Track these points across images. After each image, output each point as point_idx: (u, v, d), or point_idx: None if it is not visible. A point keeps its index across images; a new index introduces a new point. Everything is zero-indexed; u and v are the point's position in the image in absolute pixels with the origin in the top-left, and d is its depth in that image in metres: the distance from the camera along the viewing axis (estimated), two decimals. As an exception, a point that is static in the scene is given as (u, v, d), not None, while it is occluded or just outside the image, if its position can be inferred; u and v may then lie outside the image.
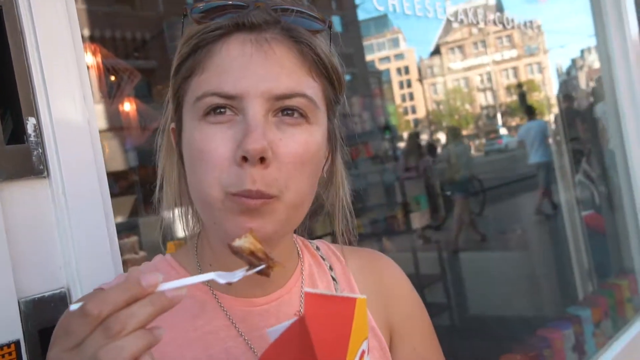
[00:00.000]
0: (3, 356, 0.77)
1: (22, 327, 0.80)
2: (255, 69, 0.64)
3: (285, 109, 0.66)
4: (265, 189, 0.63)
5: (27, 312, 0.80)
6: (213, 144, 0.64)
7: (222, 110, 0.65)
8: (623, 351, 2.13)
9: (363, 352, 0.62)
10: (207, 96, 0.65)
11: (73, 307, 0.50)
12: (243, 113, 0.64)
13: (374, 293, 0.84)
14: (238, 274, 0.56)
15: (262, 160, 0.62)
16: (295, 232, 0.83)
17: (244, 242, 0.57)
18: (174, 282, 0.51)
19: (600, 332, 2.20)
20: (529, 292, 4.13)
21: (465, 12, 2.29)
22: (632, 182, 2.49)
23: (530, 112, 7.08)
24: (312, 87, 0.68)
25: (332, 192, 0.80)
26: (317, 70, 0.69)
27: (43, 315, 0.82)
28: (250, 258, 0.57)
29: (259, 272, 0.58)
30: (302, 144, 0.66)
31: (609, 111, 2.61)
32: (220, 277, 0.55)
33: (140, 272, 0.50)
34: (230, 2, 0.68)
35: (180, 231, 0.86)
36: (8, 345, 0.77)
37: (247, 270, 0.57)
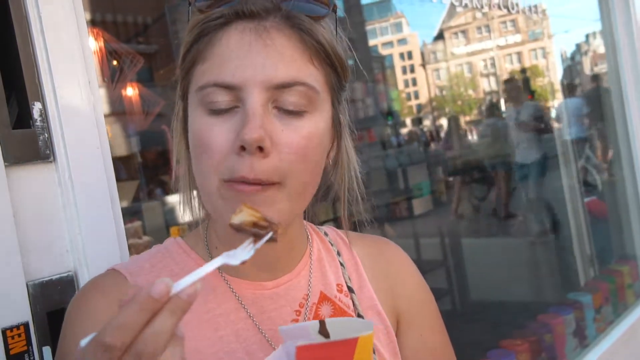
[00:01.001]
0: (12, 337, 0.78)
1: (31, 310, 0.81)
2: (254, 58, 0.64)
3: (285, 99, 0.65)
4: (264, 177, 0.63)
5: (35, 295, 0.82)
6: (212, 134, 0.65)
7: (223, 101, 0.65)
8: (623, 336, 2.15)
9: None
10: (208, 87, 0.65)
11: (84, 342, 0.46)
12: (243, 103, 0.65)
13: (382, 278, 0.85)
14: (248, 251, 0.55)
15: (261, 149, 0.62)
16: (305, 217, 0.85)
17: (243, 215, 0.56)
18: (185, 278, 0.48)
19: (601, 317, 2.22)
20: (531, 278, 4.15)
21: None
22: (635, 169, 2.49)
23: (532, 97, 7.02)
24: (312, 75, 0.67)
25: (338, 177, 0.80)
26: (318, 57, 0.68)
27: (51, 298, 0.83)
28: (255, 230, 0.56)
29: (268, 241, 0.57)
30: (304, 135, 0.66)
31: (614, 96, 2.59)
32: (231, 259, 0.53)
33: (140, 287, 0.47)
34: None
35: (184, 217, 0.86)
36: (17, 327, 0.79)
37: (255, 243, 0.56)
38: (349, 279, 0.82)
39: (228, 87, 0.65)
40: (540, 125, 4.93)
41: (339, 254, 0.85)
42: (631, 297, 2.41)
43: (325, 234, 0.88)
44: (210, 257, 0.76)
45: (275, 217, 0.64)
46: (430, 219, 4.73)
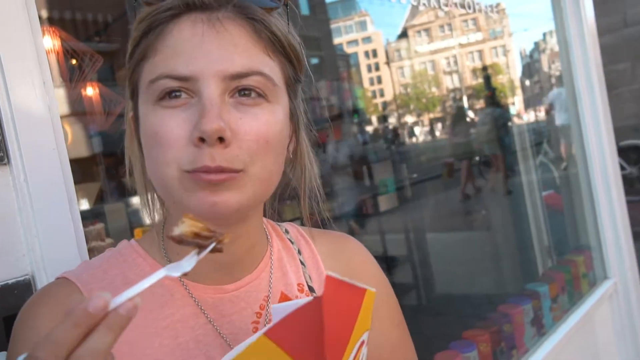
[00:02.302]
0: (-33, 343, 0.77)
1: (-14, 315, 0.80)
2: (208, 48, 0.63)
3: (242, 89, 0.64)
4: (227, 164, 0.62)
5: (-10, 300, 0.80)
6: (168, 126, 0.63)
7: (177, 93, 0.63)
8: (578, 323, 2.24)
9: (362, 342, 0.62)
10: (161, 79, 0.63)
11: (20, 358, 0.45)
12: (198, 95, 0.63)
13: (342, 275, 0.84)
14: (191, 262, 0.54)
15: (221, 140, 0.61)
16: (264, 215, 0.84)
17: (183, 227, 0.54)
18: (125, 292, 0.47)
19: (557, 306, 2.30)
20: (493, 270, 4.27)
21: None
22: (588, 163, 2.59)
23: (493, 94, 7.26)
24: (268, 65, 0.66)
25: (297, 172, 0.79)
26: (273, 48, 0.67)
27: (7, 302, 0.82)
28: (196, 241, 0.54)
29: (212, 250, 0.55)
30: (263, 123, 0.65)
31: (567, 93, 2.69)
32: (172, 271, 0.52)
33: (83, 300, 0.45)
34: None
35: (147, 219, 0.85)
36: (-28, 332, 0.77)
37: (199, 253, 0.54)
38: (310, 278, 0.82)
39: (182, 79, 0.63)
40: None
41: (299, 252, 0.85)
42: (585, 286, 2.51)
43: (286, 231, 0.87)
44: (169, 260, 0.74)
45: (240, 199, 0.63)
46: (395, 216, 4.79)
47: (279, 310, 0.60)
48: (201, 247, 0.55)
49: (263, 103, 0.66)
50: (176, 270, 0.52)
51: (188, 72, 0.62)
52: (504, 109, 6.46)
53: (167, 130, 0.63)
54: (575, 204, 2.82)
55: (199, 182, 0.62)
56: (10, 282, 0.83)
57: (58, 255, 0.87)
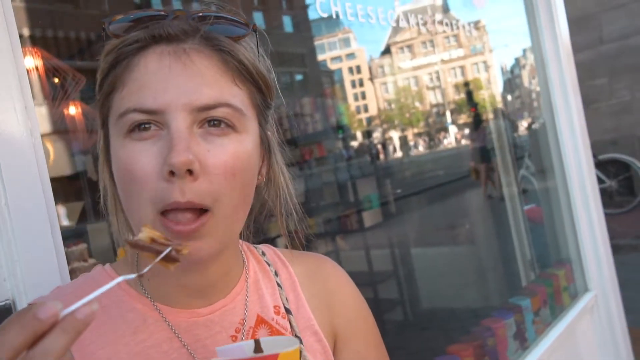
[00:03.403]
0: (-54, 370, 0.76)
1: (-34, 341, 0.79)
2: (175, 81, 0.63)
3: (210, 119, 0.64)
4: (197, 200, 0.62)
5: (-30, 325, 0.80)
6: (139, 162, 0.63)
7: (146, 126, 0.63)
8: (560, 336, 2.27)
9: None
10: (129, 113, 0.63)
11: None
12: (167, 127, 0.63)
13: (319, 297, 0.85)
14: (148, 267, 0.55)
15: (190, 172, 0.61)
16: (241, 236, 0.84)
17: (141, 234, 0.57)
18: (83, 300, 0.47)
19: (540, 319, 2.33)
20: (477, 284, 4.30)
21: (407, 15, 2.37)
22: (567, 178, 2.64)
23: (476, 110, 7.43)
24: (236, 95, 0.66)
25: (272, 194, 0.80)
26: (241, 77, 0.67)
27: (-13, 328, 0.81)
28: (153, 246, 0.56)
29: (170, 260, 0.57)
30: (231, 154, 0.65)
31: (544, 109, 2.75)
32: (130, 275, 0.54)
33: (41, 304, 0.45)
34: (148, 14, 0.66)
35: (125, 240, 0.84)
36: (-49, 359, 0.77)
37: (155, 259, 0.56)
38: (287, 300, 0.82)
39: (150, 112, 0.63)
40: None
41: (276, 274, 0.84)
42: (567, 299, 2.54)
43: (263, 253, 0.87)
44: (142, 287, 0.74)
45: (207, 252, 0.65)
46: (380, 231, 4.81)
47: (222, 352, 0.62)
48: (157, 253, 0.56)
49: (231, 133, 0.66)
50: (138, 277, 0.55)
51: (156, 106, 0.63)
52: (512, 120, 6.67)
53: (139, 168, 0.63)
54: (555, 218, 2.87)
55: (170, 232, 0.62)
56: (-10, 307, 0.83)
57: (39, 279, 0.87)
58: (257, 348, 0.63)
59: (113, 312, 0.71)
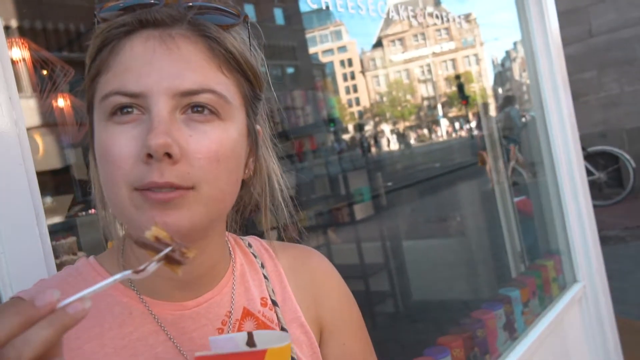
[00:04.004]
0: None
1: (-49, 334, 0.78)
2: (159, 65, 0.62)
3: (194, 105, 0.64)
4: (176, 181, 0.61)
5: (-45, 318, 0.79)
6: (117, 144, 0.62)
7: (128, 109, 0.63)
8: (549, 327, 2.29)
9: None
10: (111, 95, 0.63)
11: None
12: (148, 111, 0.62)
13: (305, 289, 0.85)
14: (151, 266, 0.53)
15: (169, 156, 0.60)
16: (228, 229, 0.84)
17: (148, 232, 0.56)
18: (79, 293, 0.46)
19: (529, 310, 2.35)
20: (468, 276, 4.33)
21: (397, 7, 2.37)
22: (556, 170, 2.65)
23: (467, 102, 7.48)
24: (222, 83, 0.65)
25: (257, 188, 0.79)
26: (228, 65, 0.67)
27: (-27, 321, 0.80)
28: (157, 245, 0.55)
29: (174, 262, 0.55)
30: (214, 141, 0.64)
31: (534, 102, 2.76)
32: (132, 275, 0.52)
33: (40, 291, 0.45)
34: (139, 2, 0.66)
35: (117, 232, 0.84)
36: (-64, 352, 0.76)
37: (158, 261, 0.54)
38: (273, 291, 0.82)
39: (132, 95, 0.62)
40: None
41: (262, 266, 0.84)
42: (556, 290, 2.56)
43: (249, 245, 0.87)
44: (128, 279, 0.71)
45: (191, 218, 0.63)
46: (371, 224, 4.83)
47: (215, 343, 0.62)
48: (159, 251, 0.55)
49: (215, 120, 0.65)
50: (135, 275, 0.52)
51: (138, 89, 0.62)
52: (518, 109, 6.72)
53: (117, 149, 0.62)
54: (545, 210, 2.89)
55: (148, 200, 0.61)
56: (-25, 299, 0.82)
57: (25, 272, 0.86)
58: (250, 340, 0.63)
59: (99, 305, 0.70)
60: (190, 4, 0.67)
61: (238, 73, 0.68)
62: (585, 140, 2.82)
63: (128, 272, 0.52)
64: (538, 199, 3.00)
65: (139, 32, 0.65)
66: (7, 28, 0.92)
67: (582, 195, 2.64)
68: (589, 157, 7.13)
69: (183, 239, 0.61)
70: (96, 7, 0.67)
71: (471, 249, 4.80)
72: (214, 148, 0.64)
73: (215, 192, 0.65)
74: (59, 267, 0.94)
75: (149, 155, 0.60)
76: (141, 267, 0.53)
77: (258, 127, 0.76)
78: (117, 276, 0.51)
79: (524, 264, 3.39)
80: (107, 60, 0.65)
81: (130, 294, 0.72)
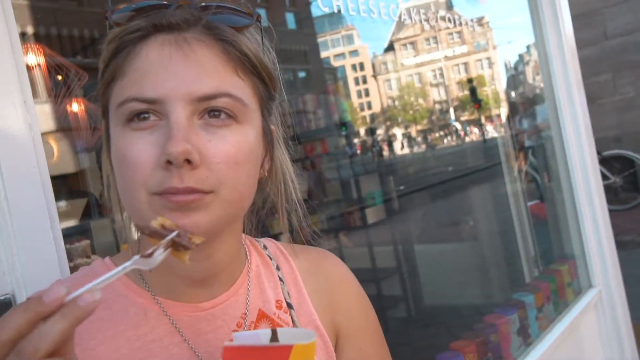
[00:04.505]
0: (-54, 364, 0.76)
1: (-34, 335, 0.79)
2: (175, 70, 0.62)
3: (211, 110, 0.63)
4: (196, 185, 0.61)
5: (-30, 320, 0.80)
6: (136, 150, 0.62)
7: (145, 115, 0.63)
8: (564, 332, 2.26)
9: None
10: (128, 102, 0.63)
11: None
12: (166, 117, 0.62)
13: (321, 293, 0.84)
14: (158, 256, 0.54)
15: (189, 162, 0.60)
16: (243, 231, 0.83)
17: (153, 222, 0.57)
18: (88, 285, 0.48)
19: (543, 315, 2.32)
20: (481, 281, 4.29)
21: (409, 11, 2.36)
22: (570, 173, 2.62)
23: (480, 106, 7.39)
24: (238, 86, 0.65)
25: (273, 189, 0.79)
26: (243, 68, 0.66)
27: (-13, 322, 0.81)
28: (163, 232, 0.56)
29: (182, 248, 0.56)
30: (233, 145, 0.64)
31: (548, 105, 2.73)
32: (140, 265, 0.53)
33: (47, 289, 0.47)
34: (151, 3, 0.65)
35: (132, 236, 0.84)
36: (-49, 353, 0.77)
37: (165, 248, 0.55)
38: (288, 294, 0.81)
39: (149, 102, 0.62)
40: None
41: (278, 268, 0.83)
42: (570, 295, 2.53)
43: (265, 247, 0.86)
44: (142, 280, 0.73)
45: (209, 220, 0.63)
46: (383, 228, 4.81)
47: (238, 338, 0.62)
48: (165, 238, 0.56)
49: (233, 124, 0.65)
50: (144, 264, 0.53)
51: (155, 95, 0.62)
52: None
53: (135, 154, 0.62)
54: (559, 214, 2.85)
55: (168, 204, 0.61)
56: (-10, 301, 0.83)
57: (39, 273, 0.86)
58: (274, 336, 0.63)
59: (114, 307, 0.71)
60: (203, 3, 0.66)
61: (253, 75, 0.68)
62: (600, 144, 2.79)
63: (136, 257, 0.53)
64: (552, 203, 2.96)
65: (153, 36, 0.64)
66: (23, 34, 0.92)
67: (597, 199, 2.61)
68: (604, 161, 7.04)
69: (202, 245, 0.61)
70: (107, 10, 0.67)
71: (484, 254, 4.76)
72: (233, 152, 0.64)
73: (234, 194, 0.65)
74: (73, 270, 0.95)
75: (169, 162, 0.60)
76: (148, 252, 0.53)
77: (272, 127, 0.76)
78: (127, 264, 0.52)
79: (537, 269, 3.35)
80: (122, 65, 0.65)
81: (145, 295, 0.72)
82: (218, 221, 0.64)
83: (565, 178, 2.69)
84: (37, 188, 0.89)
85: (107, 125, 0.70)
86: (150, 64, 0.63)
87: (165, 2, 0.66)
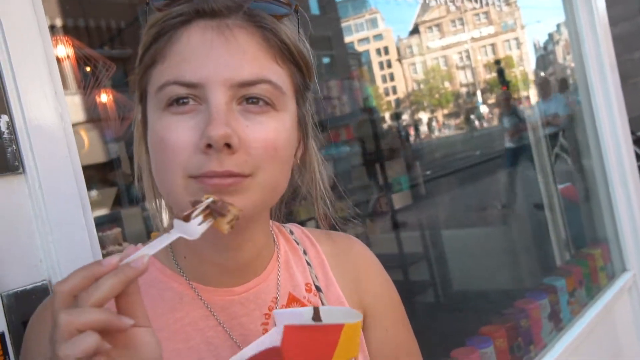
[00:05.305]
0: (-11, 348, 0.79)
1: (6, 320, 0.82)
2: (217, 56, 0.63)
3: (250, 97, 0.64)
4: (235, 169, 0.62)
5: (10, 305, 0.83)
6: (175, 133, 0.63)
7: (184, 100, 0.63)
8: (596, 317, 2.22)
9: None
10: (168, 85, 0.63)
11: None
12: (206, 102, 0.63)
13: (347, 275, 0.86)
14: (199, 226, 0.58)
15: (229, 146, 0.61)
16: (271, 217, 0.85)
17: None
18: (140, 251, 0.55)
19: (575, 300, 2.28)
20: (511, 265, 4.23)
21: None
22: (603, 154, 2.55)
23: (507, 88, 7.23)
24: (277, 73, 0.66)
25: (307, 178, 0.80)
26: (282, 56, 0.67)
27: (26, 307, 0.84)
28: (207, 201, 0.59)
29: (219, 214, 0.58)
30: (271, 131, 0.65)
31: (580, 86, 2.66)
32: (183, 232, 0.57)
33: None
34: None
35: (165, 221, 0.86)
36: (-7, 337, 0.80)
37: (205, 215, 0.58)
38: (316, 277, 0.83)
39: (190, 86, 0.63)
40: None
41: (305, 252, 0.85)
42: (604, 279, 2.48)
43: (291, 232, 0.88)
44: (177, 266, 0.75)
45: (246, 204, 0.64)
46: (410, 213, 4.78)
47: (280, 315, 0.63)
48: (207, 208, 0.59)
49: (270, 111, 0.65)
50: (190, 234, 0.57)
51: (196, 79, 0.62)
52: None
53: (174, 137, 0.63)
54: (591, 196, 2.79)
55: (205, 187, 0.62)
56: (28, 287, 0.85)
57: (73, 261, 0.89)
58: (316, 315, 0.64)
59: (151, 292, 0.73)
60: None
61: (291, 63, 0.69)
62: (634, 124, 2.71)
63: (175, 220, 0.57)
64: (584, 185, 2.90)
65: (195, 22, 0.65)
66: (52, 27, 0.94)
67: (631, 180, 2.53)
68: (638, 141, 6.83)
69: (236, 225, 0.63)
70: None
71: (513, 238, 4.69)
72: (272, 137, 0.65)
73: (271, 179, 0.66)
74: (105, 257, 0.97)
75: (209, 146, 0.61)
76: (185, 213, 0.57)
77: (307, 116, 0.77)
78: (171, 232, 0.57)
79: (568, 253, 3.29)
80: (163, 50, 0.65)
81: (180, 280, 0.74)
82: (254, 205, 0.66)
83: (597, 159, 2.62)
84: (70, 178, 0.91)
85: (144, 110, 0.71)
86: (192, 48, 0.63)
87: None
